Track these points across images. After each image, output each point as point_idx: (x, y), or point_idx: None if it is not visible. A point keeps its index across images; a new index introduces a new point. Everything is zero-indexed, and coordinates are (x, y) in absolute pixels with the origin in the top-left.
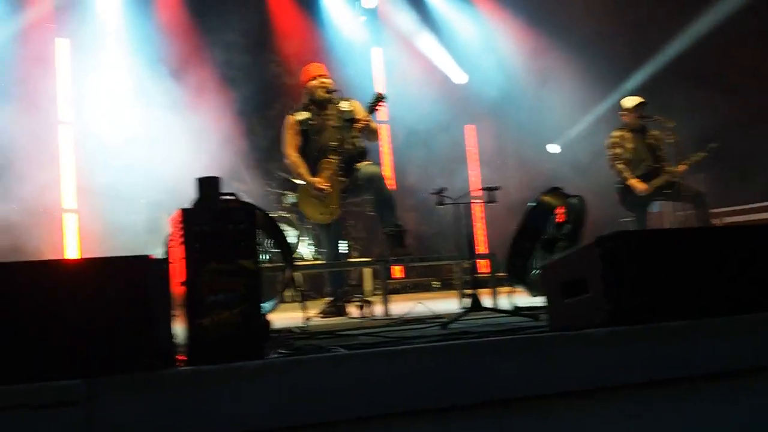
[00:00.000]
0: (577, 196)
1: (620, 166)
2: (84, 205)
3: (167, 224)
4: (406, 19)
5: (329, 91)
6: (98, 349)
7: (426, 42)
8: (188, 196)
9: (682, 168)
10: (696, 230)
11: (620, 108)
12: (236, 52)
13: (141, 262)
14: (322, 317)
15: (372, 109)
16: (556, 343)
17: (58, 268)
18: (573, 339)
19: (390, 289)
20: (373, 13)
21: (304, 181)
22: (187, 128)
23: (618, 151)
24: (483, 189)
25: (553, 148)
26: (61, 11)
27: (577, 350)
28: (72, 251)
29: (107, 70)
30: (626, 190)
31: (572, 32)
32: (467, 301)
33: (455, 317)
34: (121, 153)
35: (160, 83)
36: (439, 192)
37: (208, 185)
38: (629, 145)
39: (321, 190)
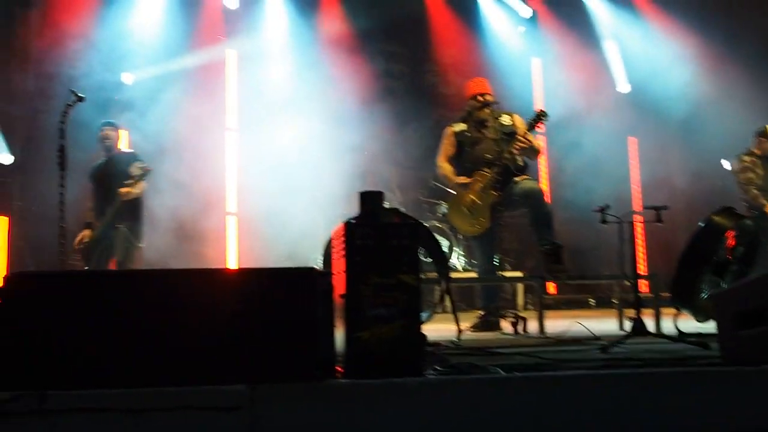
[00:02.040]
0: (751, 217)
1: (755, 192)
2: (244, 209)
3: (324, 230)
4: (565, 28)
5: (488, 106)
6: (263, 357)
7: (586, 51)
8: (344, 203)
9: None
10: None
11: (760, 134)
12: (395, 63)
13: (307, 273)
14: (473, 331)
15: (532, 126)
16: (734, 379)
17: (227, 276)
18: (752, 375)
19: (545, 305)
20: (532, 23)
21: (451, 183)
22: (344, 138)
23: (751, 176)
24: (649, 208)
25: (728, 165)
26: (231, 24)
27: (756, 387)
28: (232, 254)
29: (271, 80)
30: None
31: (747, 41)
32: (629, 324)
33: (617, 341)
34: (280, 160)
35: (320, 93)
36: (603, 209)
37: (371, 199)
38: (760, 173)
39: (468, 186)
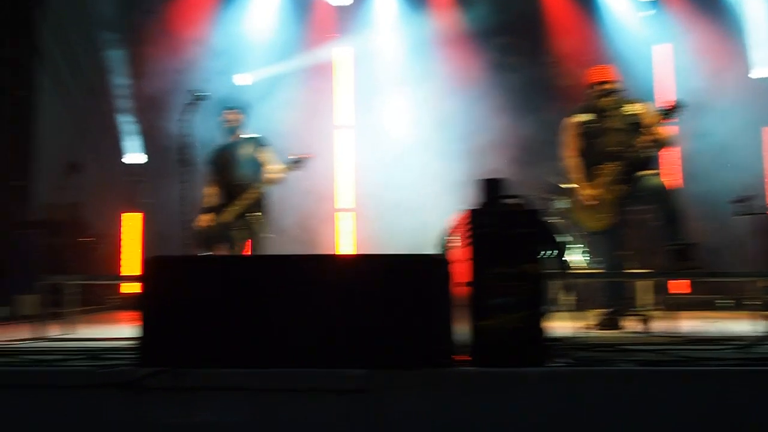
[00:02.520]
0: None
1: None
2: (360, 206)
3: (439, 224)
4: (695, 11)
5: (611, 94)
6: (384, 343)
7: (716, 35)
8: (459, 198)
9: None
10: None
11: None
12: (510, 55)
13: (427, 260)
14: (597, 329)
15: (666, 116)
16: None
17: (353, 262)
18: None
19: (671, 305)
20: (656, 6)
21: (577, 185)
22: (458, 132)
23: None
24: None
25: None
26: (343, 21)
27: None
28: (347, 250)
29: (384, 76)
30: None
31: None
32: None
33: (757, 340)
34: (394, 155)
35: (433, 87)
36: (741, 201)
37: (493, 187)
38: None
39: (591, 198)
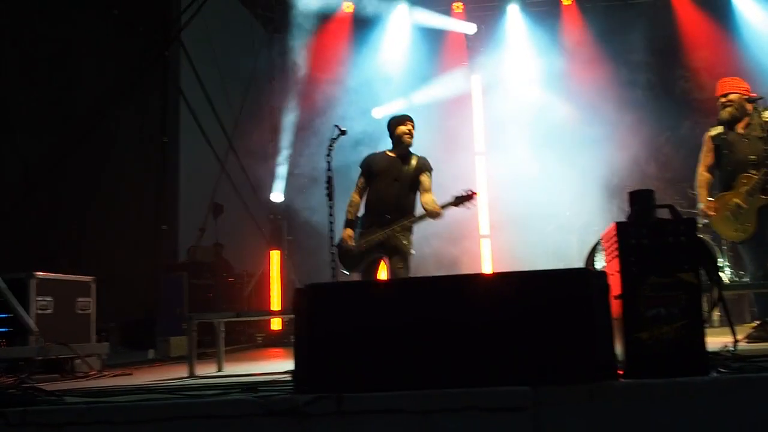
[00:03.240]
0: None
1: None
2: (496, 231)
3: (577, 248)
4: None
5: (732, 105)
6: (543, 358)
7: None
8: (599, 220)
9: None
10: None
11: None
12: (643, 72)
13: (583, 274)
14: (748, 342)
15: None
16: None
17: (506, 279)
18: None
19: None
20: None
21: (714, 198)
22: (593, 154)
23: None
24: None
25: None
26: (473, 51)
27: None
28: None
29: (515, 101)
30: None
31: None
32: None
33: None
34: (529, 181)
35: (565, 108)
36: None
37: (641, 198)
38: None
39: (705, 215)
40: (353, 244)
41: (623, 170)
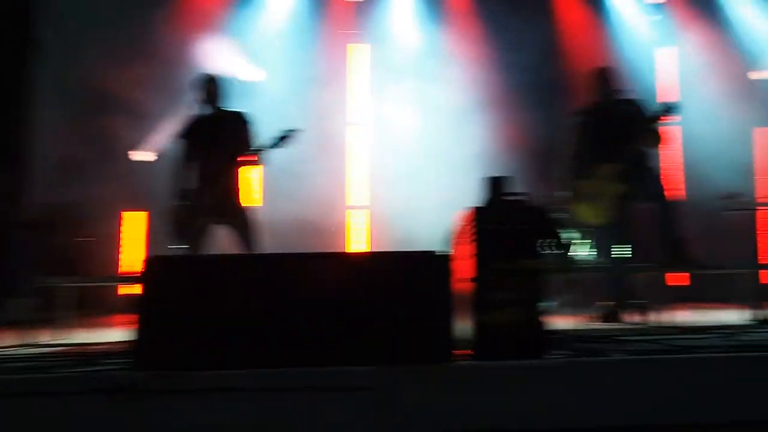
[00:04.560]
0: None
1: None
2: (374, 203)
3: (451, 223)
4: (695, 15)
5: (613, 95)
6: (388, 339)
7: (716, 38)
8: (470, 195)
9: None
10: None
11: None
12: (521, 53)
13: (430, 257)
14: (598, 321)
15: (660, 117)
16: None
17: (353, 259)
18: None
19: (670, 297)
20: (662, 11)
21: (578, 182)
22: (469, 130)
23: None
24: None
25: None
26: (360, 19)
27: None
28: (359, 247)
29: (399, 75)
30: None
31: None
32: (756, 314)
33: (742, 329)
34: (407, 153)
35: (445, 85)
36: (731, 197)
37: (496, 184)
38: None
39: (593, 194)
40: (183, 213)
41: (499, 148)
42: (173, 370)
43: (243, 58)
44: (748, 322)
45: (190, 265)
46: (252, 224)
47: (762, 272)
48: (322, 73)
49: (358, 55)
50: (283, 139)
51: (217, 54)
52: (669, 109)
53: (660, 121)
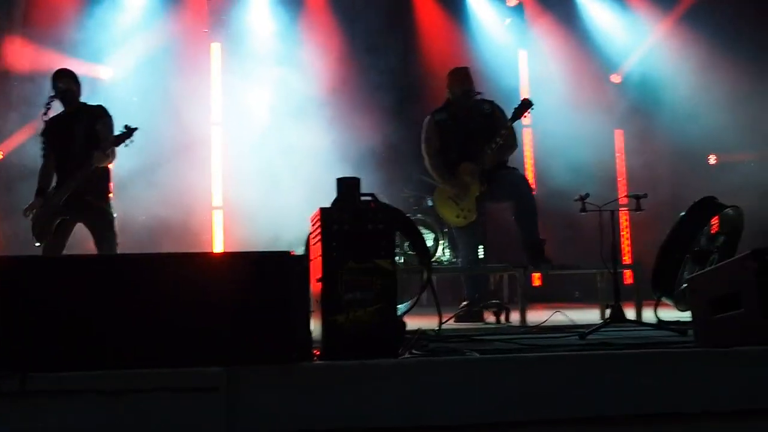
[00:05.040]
0: (733, 206)
1: None
2: (230, 204)
3: (307, 223)
4: (553, 18)
5: (471, 95)
6: (239, 339)
7: (575, 42)
8: (329, 195)
9: None
10: None
11: None
12: (380, 55)
13: (281, 257)
14: (456, 321)
15: (517, 116)
16: (704, 360)
17: (203, 260)
18: (723, 356)
19: (528, 297)
20: (519, 14)
21: (439, 182)
22: (329, 130)
23: None
24: (629, 196)
25: (713, 159)
26: (215, 16)
27: (728, 368)
28: (218, 247)
29: (256, 76)
30: None
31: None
32: (609, 312)
33: (595, 328)
34: (266, 154)
35: (304, 85)
36: (583, 198)
37: (347, 185)
38: None
39: (451, 177)
40: (37, 212)
41: (359, 148)
42: (18, 371)
43: (97, 56)
44: (603, 321)
45: (30, 266)
46: (109, 223)
47: (624, 272)
48: (181, 71)
49: (216, 52)
50: (122, 136)
51: (69, 52)
52: (525, 105)
53: (519, 117)
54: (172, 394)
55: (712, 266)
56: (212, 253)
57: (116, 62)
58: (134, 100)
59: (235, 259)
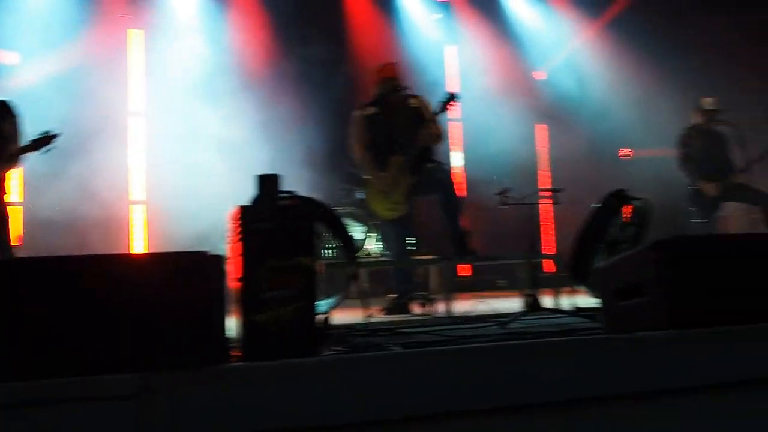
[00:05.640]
0: (642, 198)
1: (690, 166)
2: (152, 198)
3: (226, 220)
4: (480, 15)
5: (399, 89)
6: (153, 344)
7: (500, 38)
8: (248, 194)
9: (747, 167)
10: (755, 235)
11: (695, 108)
12: (311, 48)
13: (199, 257)
14: (385, 314)
15: (443, 108)
16: (611, 346)
17: (116, 262)
18: (627, 342)
19: (455, 287)
20: (447, 10)
21: (370, 176)
22: (255, 122)
23: (688, 150)
24: (547, 190)
25: (626, 153)
26: (134, 1)
27: (631, 353)
28: (139, 243)
29: (179, 64)
30: (697, 192)
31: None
32: (528, 301)
33: (514, 317)
34: (190, 146)
35: (230, 76)
36: (503, 192)
37: (267, 182)
38: (698, 145)
39: (386, 183)
40: None
41: (288, 140)
42: None
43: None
44: (522, 310)
45: None
46: (4, 221)
47: (544, 262)
48: (96, 59)
49: (136, 40)
50: (38, 142)
51: None
52: (451, 97)
53: (445, 110)
54: (79, 404)
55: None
56: (124, 254)
57: (24, 47)
58: (42, 89)
59: (149, 261)
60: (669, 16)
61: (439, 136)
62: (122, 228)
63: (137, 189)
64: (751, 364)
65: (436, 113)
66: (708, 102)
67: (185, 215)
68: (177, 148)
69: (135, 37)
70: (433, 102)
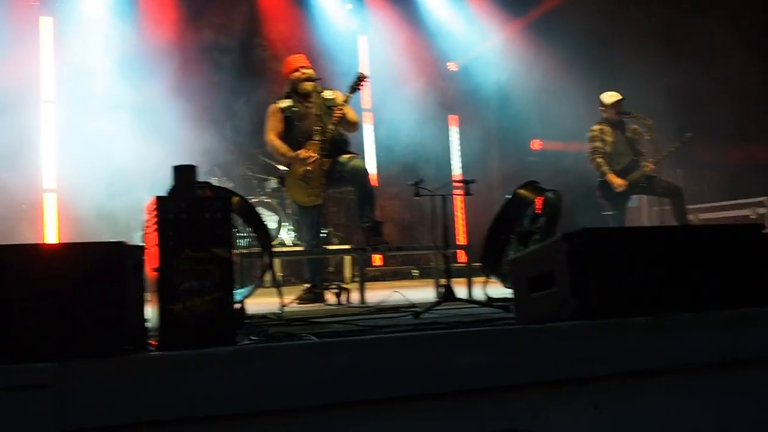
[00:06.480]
0: (553, 190)
1: (599, 160)
2: (64, 186)
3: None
4: (391, 6)
5: (311, 80)
6: (70, 333)
7: (412, 30)
8: (168, 179)
9: (657, 161)
10: (660, 228)
11: (600, 103)
12: (222, 35)
13: (116, 247)
14: (299, 303)
15: (354, 88)
16: (522, 336)
17: (31, 252)
18: (537, 332)
19: (369, 277)
20: (359, 1)
21: (289, 157)
22: (169, 111)
23: (597, 144)
24: (459, 182)
25: (537, 144)
26: None
27: (542, 343)
28: (51, 232)
29: (90, 50)
30: (605, 185)
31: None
32: (441, 291)
33: (428, 307)
34: (102, 135)
35: (143, 65)
36: (416, 183)
37: (183, 173)
38: (609, 139)
39: (306, 160)
40: None
41: (201, 130)
42: None
43: None
44: (435, 300)
45: None
46: None
47: (457, 252)
48: (6, 48)
49: (45, 27)
50: None
51: None
52: (361, 77)
53: (356, 90)
54: None
55: (535, 246)
56: (40, 244)
57: None
58: None
59: (65, 250)
60: (593, 15)
61: (355, 123)
62: (35, 216)
63: (49, 177)
64: (657, 354)
65: (348, 95)
66: (610, 95)
67: (98, 203)
68: (89, 137)
69: (46, 24)
70: (344, 88)
